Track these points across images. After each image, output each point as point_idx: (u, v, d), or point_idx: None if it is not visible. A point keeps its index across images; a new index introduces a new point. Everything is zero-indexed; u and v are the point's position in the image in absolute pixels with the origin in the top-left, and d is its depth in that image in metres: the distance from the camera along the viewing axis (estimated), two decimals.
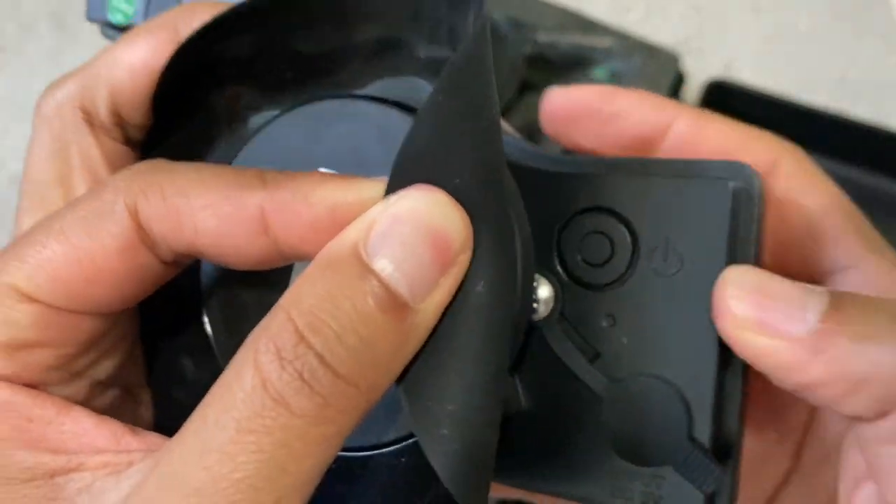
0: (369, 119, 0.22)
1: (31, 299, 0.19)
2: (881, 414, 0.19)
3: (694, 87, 0.53)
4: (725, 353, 0.19)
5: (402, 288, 0.17)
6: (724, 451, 0.19)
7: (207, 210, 0.19)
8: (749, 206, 0.19)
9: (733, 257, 0.19)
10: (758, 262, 0.19)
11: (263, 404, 0.16)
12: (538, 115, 0.51)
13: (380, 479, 0.21)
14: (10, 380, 0.19)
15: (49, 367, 0.19)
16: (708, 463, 0.19)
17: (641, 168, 0.20)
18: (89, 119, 0.23)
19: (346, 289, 0.17)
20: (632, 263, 0.20)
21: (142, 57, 0.22)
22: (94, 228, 0.19)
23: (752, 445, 0.24)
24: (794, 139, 0.54)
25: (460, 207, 0.17)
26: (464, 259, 0.18)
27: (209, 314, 0.24)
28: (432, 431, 0.17)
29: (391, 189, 0.18)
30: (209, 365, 0.24)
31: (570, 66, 0.50)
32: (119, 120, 0.23)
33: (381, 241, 0.17)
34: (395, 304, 0.17)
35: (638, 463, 0.20)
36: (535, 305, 0.21)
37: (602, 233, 0.20)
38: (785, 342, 0.18)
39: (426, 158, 0.18)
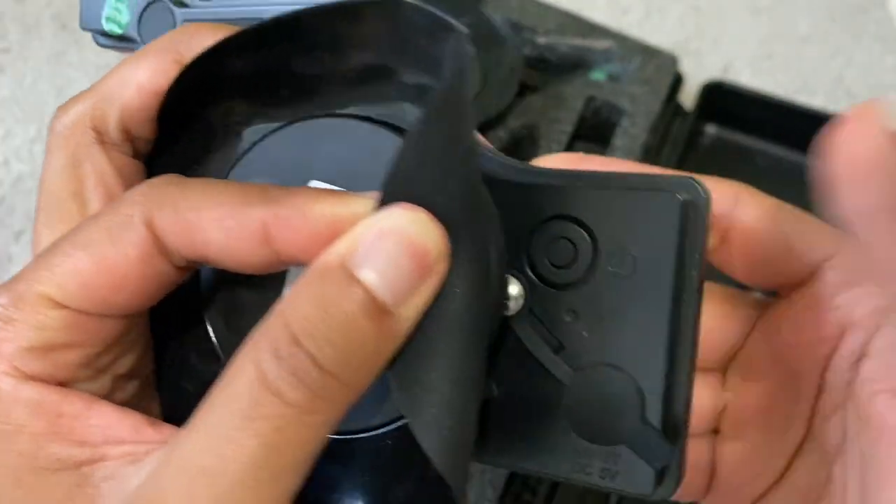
0: (360, 137, 0.24)
1: (62, 306, 0.20)
2: None
3: (692, 88, 0.53)
4: (674, 345, 0.21)
5: (384, 295, 0.19)
6: (674, 432, 0.21)
7: (215, 224, 0.21)
8: (697, 216, 0.21)
9: (681, 262, 0.21)
10: (703, 268, 0.21)
11: (262, 395, 0.18)
12: (537, 117, 0.52)
13: (367, 460, 0.24)
14: (44, 379, 0.21)
15: (77, 366, 0.21)
16: (659, 442, 0.21)
17: (602, 181, 0.22)
18: (100, 137, 0.24)
19: (334, 296, 0.19)
20: (592, 265, 0.22)
21: (149, 77, 0.24)
22: (116, 239, 0.21)
23: (767, 411, 0.26)
24: (791, 141, 0.54)
25: (438, 223, 0.20)
26: (441, 268, 0.20)
27: (209, 312, 0.25)
28: (420, 414, 0.19)
29: (379, 206, 0.20)
30: (212, 357, 0.25)
31: (568, 68, 0.50)
32: (128, 136, 0.25)
33: (366, 253, 0.19)
34: (377, 310, 0.19)
35: (596, 442, 0.22)
36: (506, 302, 0.23)
37: (567, 238, 0.22)
38: None
39: (411, 179, 0.20)
